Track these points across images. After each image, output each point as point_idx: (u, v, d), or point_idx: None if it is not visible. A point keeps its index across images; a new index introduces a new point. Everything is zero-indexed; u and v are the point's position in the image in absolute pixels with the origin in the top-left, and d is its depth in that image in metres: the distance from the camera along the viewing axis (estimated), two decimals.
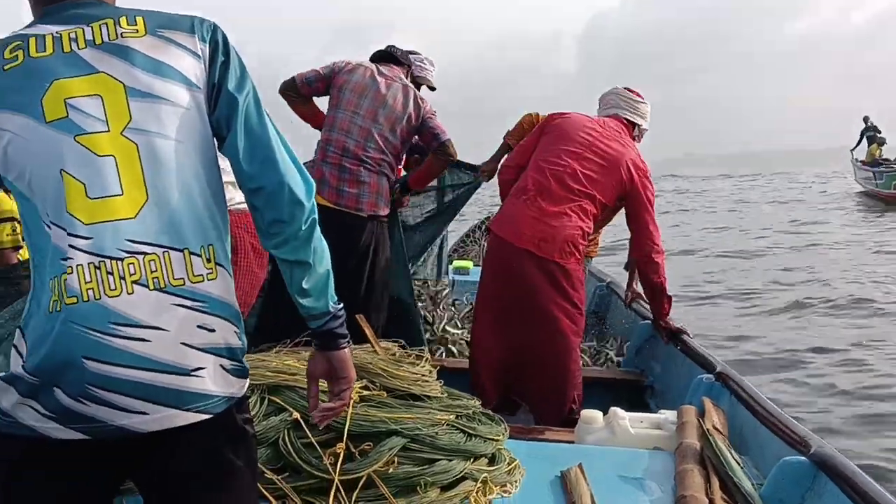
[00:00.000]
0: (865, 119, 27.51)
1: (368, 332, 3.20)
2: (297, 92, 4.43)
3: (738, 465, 2.75)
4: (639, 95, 4.25)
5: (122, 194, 1.59)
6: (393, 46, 4.64)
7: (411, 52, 4.96)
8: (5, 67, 1.62)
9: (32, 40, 1.64)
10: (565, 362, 3.91)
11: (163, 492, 1.71)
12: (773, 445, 2.88)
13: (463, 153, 4.67)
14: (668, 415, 3.30)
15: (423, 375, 2.89)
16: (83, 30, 1.66)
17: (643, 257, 4.03)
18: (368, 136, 4.25)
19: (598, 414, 3.36)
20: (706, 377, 3.59)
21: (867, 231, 18.94)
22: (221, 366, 1.66)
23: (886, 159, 25.29)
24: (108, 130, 1.60)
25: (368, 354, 2.96)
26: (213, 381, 1.64)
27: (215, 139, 1.74)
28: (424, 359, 3.02)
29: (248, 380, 1.75)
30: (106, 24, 1.67)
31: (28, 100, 1.60)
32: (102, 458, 1.64)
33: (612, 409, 3.36)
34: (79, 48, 1.64)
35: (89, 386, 1.55)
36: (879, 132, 26.63)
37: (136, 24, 1.68)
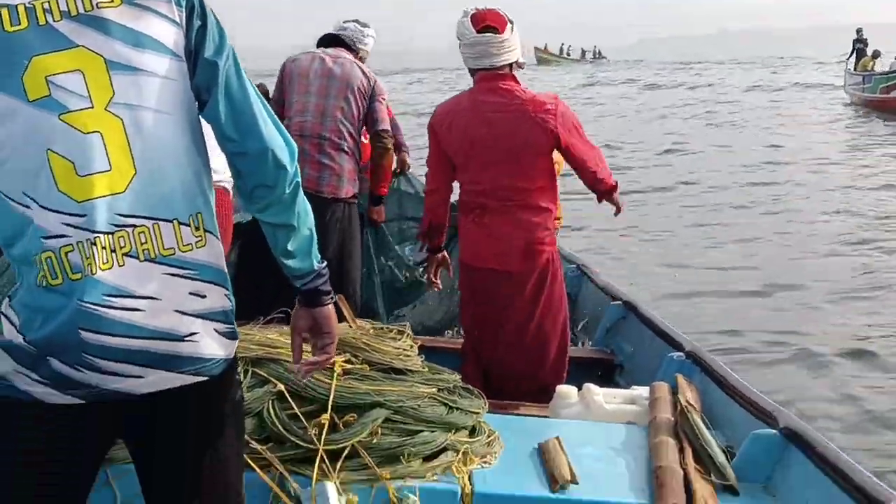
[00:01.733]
0: (858, 31, 28.16)
1: (346, 310, 3.24)
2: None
3: (713, 438, 2.84)
4: (503, 27, 3.70)
5: (111, 170, 1.60)
6: (345, 29, 4.64)
7: (358, 23, 4.79)
8: None
9: (4, 11, 1.59)
10: (551, 374, 3.91)
11: (154, 447, 1.77)
12: (744, 420, 2.97)
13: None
14: (641, 391, 3.38)
15: (405, 350, 2.94)
16: None
17: (592, 187, 3.87)
18: (324, 112, 4.29)
19: (572, 390, 3.43)
20: (677, 355, 3.67)
21: None
22: (215, 329, 1.71)
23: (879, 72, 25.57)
24: (93, 107, 1.60)
25: (351, 330, 3.00)
26: (208, 344, 1.70)
27: (197, 104, 1.74)
28: (406, 334, 3.06)
29: (237, 341, 1.80)
30: None
31: (8, 78, 1.57)
32: (98, 418, 1.69)
33: (587, 384, 3.44)
34: (54, 20, 1.60)
35: (86, 355, 1.59)
36: (867, 45, 27.26)
37: None
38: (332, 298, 1.95)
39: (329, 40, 4.59)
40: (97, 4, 1.63)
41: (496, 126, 3.70)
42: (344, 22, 4.71)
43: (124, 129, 1.61)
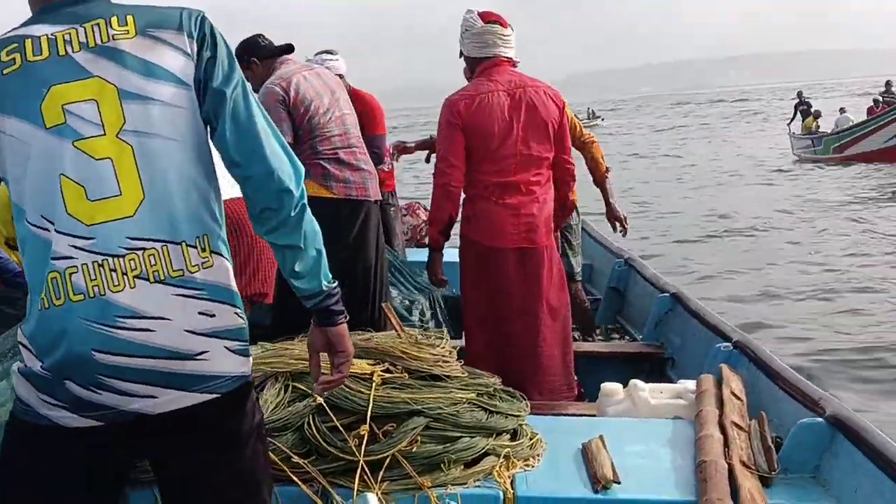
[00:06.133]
0: (799, 94, 28.73)
1: (394, 319, 3.26)
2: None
3: (758, 429, 2.81)
4: (506, 24, 3.99)
5: (121, 195, 1.67)
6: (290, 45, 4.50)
7: (326, 52, 5.49)
8: (4, 71, 1.70)
9: (28, 42, 1.71)
10: (570, 345, 4.05)
11: (174, 464, 1.81)
12: (791, 408, 2.92)
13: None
14: (687, 384, 3.35)
15: (444, 356, 2.94)
16: (76, 31, 1.72)
17: (565, 176, 4.07)
18: (343, 122, 4.26)
19: (618, 386, 3.41)
20: (724, 346, 3.63)
21: None
22: (226, 347, 1.75)
23: (823, 132, 25.38)
24: (104, 134, 1.68)
25: (389, 338, 3.01)
26: (219, 362, 1.74)
27: (208, 129, 1.81)
28: (444, 340, 3.07)
29: (250, 359, 1.84)
30: (98, 24, 1.73)
31: (28, 105, 1.68)
32: (116, 439, 1.74)
33: (632, 381, 3.41)
34: (73, 51, 1.70)
35: (100, 376, 1.65)
36: (811, 107, 27.27)
37: (126, 25, 1.74)
38: (344, 318, 1.97)
39: (285, 49, 4.42)
40: (113, 36, 1.72)
41: (519, 100, 3.89)
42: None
43: (134, 155, 1.69)
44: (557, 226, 4.28)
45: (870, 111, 24.26)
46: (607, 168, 5.37)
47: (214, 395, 1.74)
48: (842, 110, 25.49)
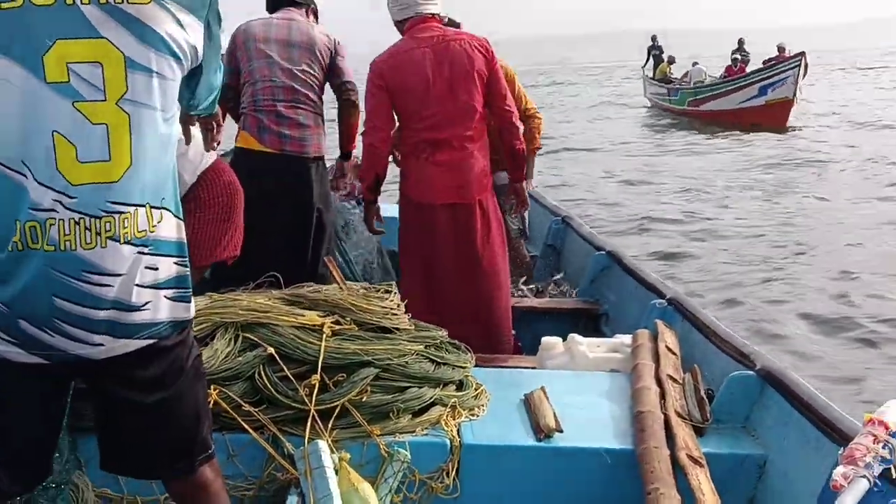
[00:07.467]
0: (653, 38, 29.22)
1: (336, 273, 3.30)
2: (235, 91, 4.28)
3: (691, 381, 2.93)
4: None
5: (110, 160, 1.71)
6: None
7: None
8: (2, 6, 1.64)
9: None
10: (503, 301, 4.10)
11: (114, 406, 1.92)
12: (723, 362, 3.05)
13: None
14: (623, 339, 3.46)
15: (392, 309, 2.99)
16: None
17: (505, 124, 4.04)
18: (292, 76, 4.18)
19: (557, 340, 3.52)
20: (659, 302, 3.75)
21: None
22: (166, 296, 1.84)
23: (675, 78, 26.56)
24: (105, 100, 1.70)
25: (339, 291, 3.05)
26: (160, 311, 1.83)
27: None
28: (393, 293, 3.12)
29: (193, 302, 1.93)
30: None
31: (28, 52, 1.64)
32: (57, 377, 1.86)
33: (571, 335, 3.52)
34: (81, 2, 1.67)
35: (56, 320, 1.71)
36: (663, 51, 28.40)
37: None
38: None
39: (277, 4, 4.43)
40: None
41: (443, 53, 3.88)
42: None
43: (129, 124, 1.72)
44: (516, 178, 4.25)
45: (728, 70, 24.73)
46: (539, 146, 5.28)
47: (153, 340, 1.83)
48: (695, 63, 26.21)
